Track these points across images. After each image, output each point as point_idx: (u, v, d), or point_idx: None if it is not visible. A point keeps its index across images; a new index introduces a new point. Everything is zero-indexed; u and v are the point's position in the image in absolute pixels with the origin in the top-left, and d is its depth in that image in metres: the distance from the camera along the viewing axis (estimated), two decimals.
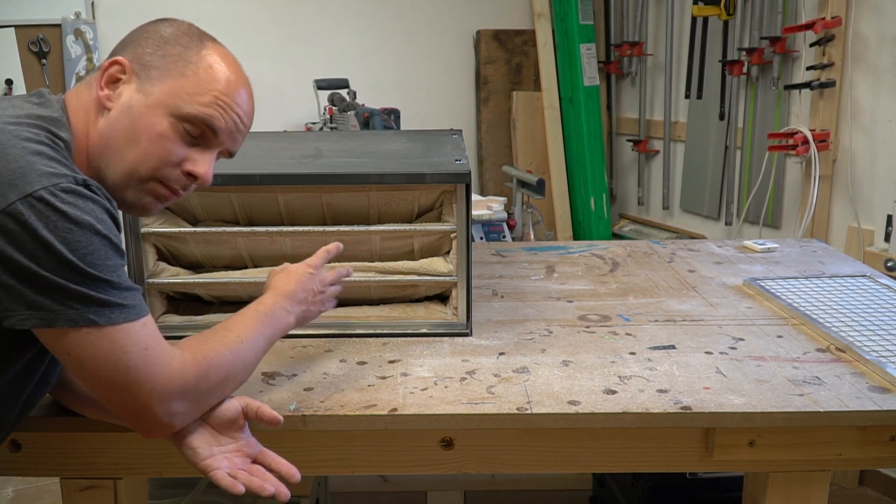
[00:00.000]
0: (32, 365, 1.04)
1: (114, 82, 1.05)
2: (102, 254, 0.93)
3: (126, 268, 1.00)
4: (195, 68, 1.05)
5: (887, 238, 2.70)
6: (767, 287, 1.71)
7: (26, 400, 1.07)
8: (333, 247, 1.30)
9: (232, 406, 1.09)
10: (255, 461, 1.09)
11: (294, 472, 1.07)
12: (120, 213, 1.02)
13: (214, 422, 1.08)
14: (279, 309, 1.18)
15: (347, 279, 1.35)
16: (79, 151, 1.04)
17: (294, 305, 1.21)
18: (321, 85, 3.89)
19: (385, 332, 1.48)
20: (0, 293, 0.90)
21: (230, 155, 1.14)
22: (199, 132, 1.07)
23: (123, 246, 1.01)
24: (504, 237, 3.16)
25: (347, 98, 3.81)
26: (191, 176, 1.08)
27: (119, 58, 1.05)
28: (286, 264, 1.28)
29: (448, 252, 1.50)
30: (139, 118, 1.03)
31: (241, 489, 1.03)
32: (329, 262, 1.31)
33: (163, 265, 1.49)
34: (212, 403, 1.07)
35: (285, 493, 1.05)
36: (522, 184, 3.45)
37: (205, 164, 1.08)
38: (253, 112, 1.13)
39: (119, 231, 0.98)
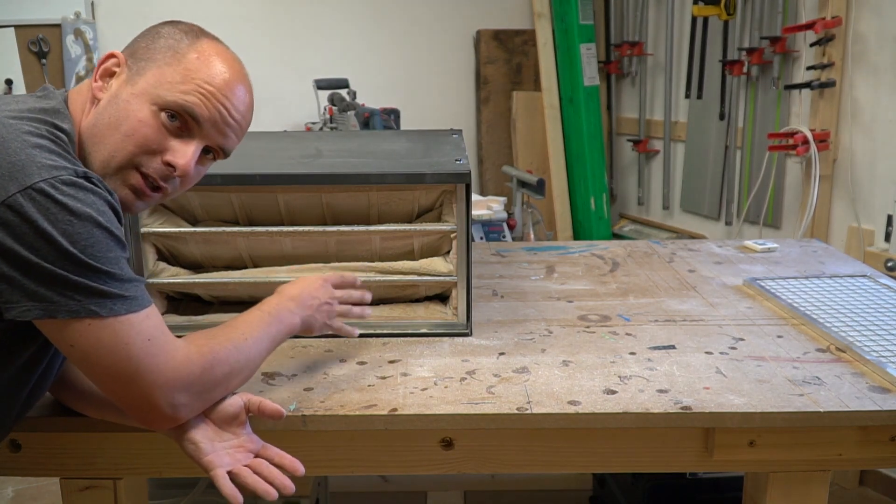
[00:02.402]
0: (36, 358, 1.04)
1: (109, 75, 1.07)
2: (103, 245, 0.93)
3: (128, 260, 0.99)
4: (182, 58, 1.05)
5: (887, 238, 2.70)
6: (767, 287, 1.71)
7: (29, 393, 1.08)
8: (352, 277, 1.34)
9: (234, 402, 1.09)
10: (257, 456, 1.09)
11: (297, 466, 1.08)
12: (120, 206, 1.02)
13: (216, 417, 1.09)
14: (284, 310, 1.19)
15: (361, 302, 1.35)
16: (77, 143, 1.05)
17: (299, 308, 1.21)
18: (321, 85, 3.89)
19: (385, 332, 1.48)
20: (1, 285, 0.91)
21: (224, 154, 1.12)
22: (182, 122, 1.05)
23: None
24: (504, 237, 3.16)
25: (347, 98, 3.81)
26: (170, 166, 1.05)
27: (114, 51, 1.06)
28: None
29: (448, 252, 1.50)
30: (124, 106, 1.04)
31: (240, 500, 1.03)
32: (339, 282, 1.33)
33: (163, 265, 1.49)
34: (216, 398, 1.08)
35: (290, 486, 1.05)
36: (522, 184, 3.45)
37: (185, 155, 1.06)
38: (249, 111, 1.12)
39: (121, 223, 0.98)
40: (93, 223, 0.92)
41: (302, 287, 1.24)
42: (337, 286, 1.30)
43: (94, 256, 0.92)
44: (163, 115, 1.04)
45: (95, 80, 1.06)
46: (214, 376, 1.04)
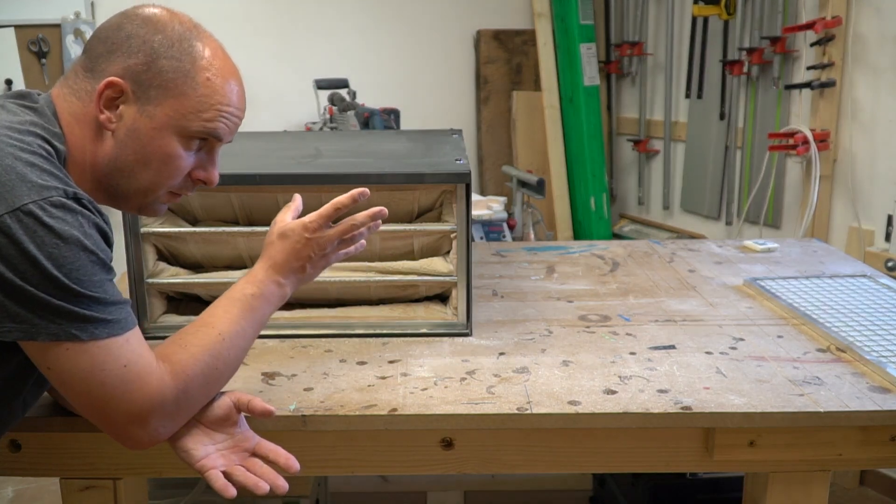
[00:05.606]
0: (26, 366, 1.03)
1: (111, 101, 1.03)
2: (88, 269, 0.93)
3: (114, 281, 0.98)
4: (193, 83, 1.04)
5: (887, 238, 2.70)
6: (767, 287, 1.71)
7: (23, 400, 1.07)
8: (348, 198, 1.15)
9: (223, 403, 1.09)
10: (253, 453, 1.09)
11: (292, 463, 1.07)
12: (110, 226, 1.00)
13: (206, 420, 1.08)
14: (270, 284, 1.13)
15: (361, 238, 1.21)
16: (76, 165, 1.03)
17: (287, 275, 1.15)
18: (321, 85, 3.88)
19: (385, 332, 1.48)
20: None
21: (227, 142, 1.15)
22: (205, 141, 1.09)
23: (118, 253, 1.01)
24: (504, 237, 3.16)
25: (347, 98, 3.80)
26: (199, 181, 1.12)
27: (113, 79, 1.02)
28: (284, 225, 1.16)
29: (448, 252, 1.50)
30: (148, 142, 1.04)
31: (232, 493, 1.03)
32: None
33: (163, 265, 1.49)
34: (196, 410, 1.07)
35: (283, 485, 1.05)
36: (522, 184, 3.45)
37: (212, 169, 1.12)
38: (245, 100, 1.12)
39: (109, 245, 0.98)
40: (79, 247, 0.92)
41: (289, 251, 1.13)
42: (327, 218, 1.15)
43: (78, 280, 0.92)
44: (187, 141, 1.06)
45: (101, 112, 1.03)
46: (190, 395, 1.03)
